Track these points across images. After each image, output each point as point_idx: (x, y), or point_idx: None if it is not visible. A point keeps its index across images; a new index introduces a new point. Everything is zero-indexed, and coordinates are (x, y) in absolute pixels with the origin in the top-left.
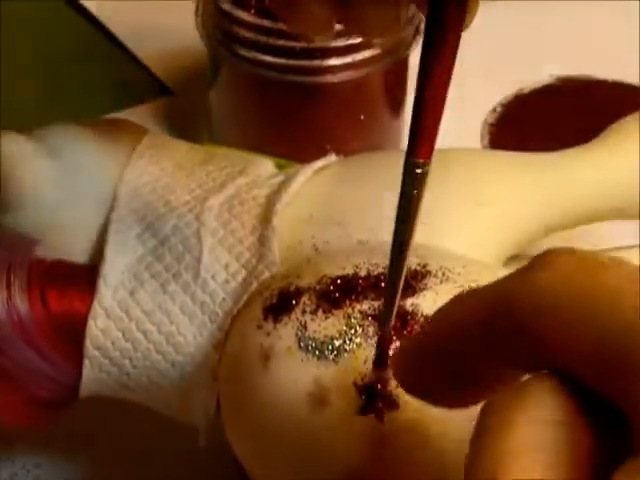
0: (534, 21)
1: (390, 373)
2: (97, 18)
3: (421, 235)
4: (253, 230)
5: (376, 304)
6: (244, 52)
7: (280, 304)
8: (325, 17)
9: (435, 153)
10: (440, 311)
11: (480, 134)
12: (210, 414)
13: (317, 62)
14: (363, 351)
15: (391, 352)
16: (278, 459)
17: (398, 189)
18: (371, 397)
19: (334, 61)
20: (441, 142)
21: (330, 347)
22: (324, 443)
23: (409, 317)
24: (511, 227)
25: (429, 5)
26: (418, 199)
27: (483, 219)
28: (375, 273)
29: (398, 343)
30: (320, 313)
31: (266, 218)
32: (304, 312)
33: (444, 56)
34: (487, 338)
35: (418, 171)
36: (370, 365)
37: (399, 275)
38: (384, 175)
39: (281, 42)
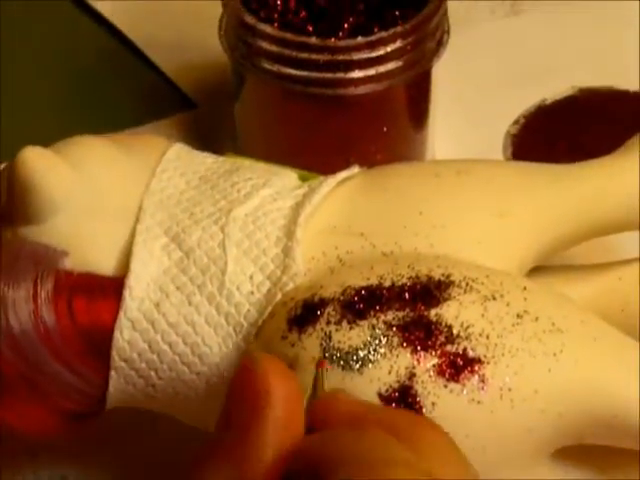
0: (555, 32)
1: None
2: (120, 31)
3: (441, 244)
4: (277, 241)
5: (400, 314)
6: (267, 65)
7: (304, 315)
8: None
9: (456, 163)
10: None
11: (503, 145)
12: None
13: (340, 74)
14: (388, 361)
15: (420, 364)
16: None
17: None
18: (396, 407)
19: (357, 74)
20: (463, 153)
21: (355, 357)
22: None
23: (433, 327)
24: (532, 238)
25: None
26: None
27: (504, 230)
28: (399, 283)
29: (423, 353)
30: (345, 324)
31: (290, 229)
32: (329, 323)
33: None
34: None
35: None
36: (395, 375)
37: None
38: (407, 186)
39: (304, 55)
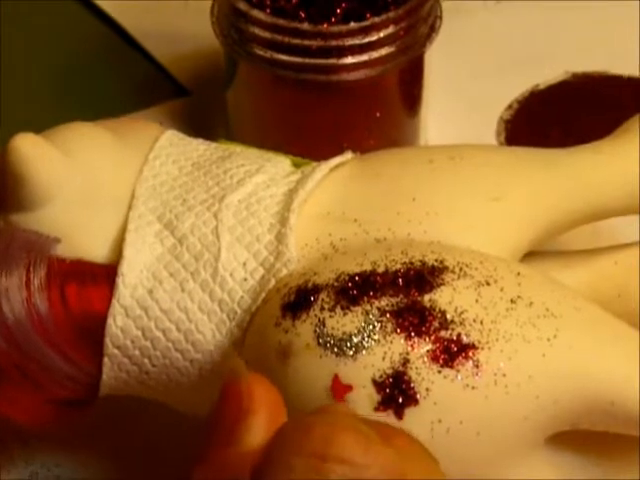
0: (549, 17)
1: None
2: (113, 18)
3: (435, 230)
4: (271, 228)
5: (394, 300)
6: (260, 51)
7: (298, 301)
8: None
9: (449, 149)
10: None
11: (496, 131)
12: None
13: (333, 60)
14: (381, 347)
15: (414, 349)
16: None
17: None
18: (390, 393)
19: (350, 59)
20: (456, 138)
21: (349, 343)
22: None
23: (427, 313)
24: (526, 223)
25: None
26: None
27: (497, 215)
28: (393, 269)
29: (417, 339)
30: (338, 310)
31: (283, 216)
32: (322, 309)
33: None
34: None
35: None
36: (389, 361)
37: None
38: (400, 172)
39: (297, 41)
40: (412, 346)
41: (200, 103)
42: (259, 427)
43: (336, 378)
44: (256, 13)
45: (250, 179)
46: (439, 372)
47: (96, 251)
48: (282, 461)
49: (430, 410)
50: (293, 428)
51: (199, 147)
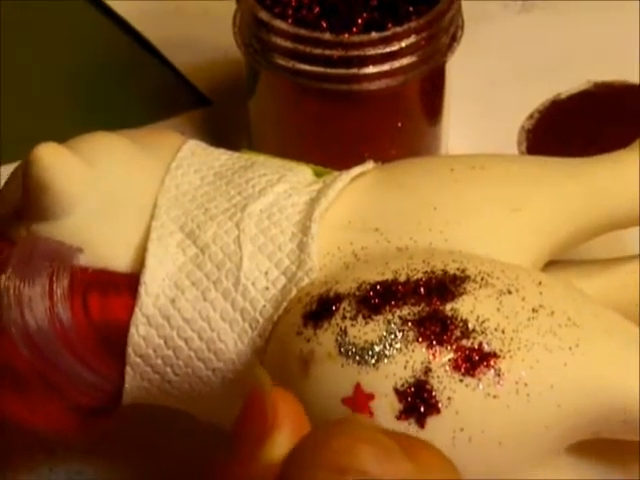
0: (570, 26)
1: None
2: (135, 28)
3: (456, 239)
4: (292, 237)
5: (416, 309)
6: (282, 61)
7: (320, 310)
8: None
9: (470, 158)
10: None
11: (517, 140)
12: None
13: (354, 70)
14: (403, 356)
15: (435, 358)
16: None
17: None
18: (412, 402)
19: (371, 69)
20: (477, 148)
21: (370, 352)
22: None
23: (449, 322)
24: (547, 233)
25: None
26: None
27: (518, 224)
28: (414, 278)
29: (438, 348)
30: (360, 319)
31: (305, 225)
32: (344, 318)
33: None
34: None
35: None
36: (411, 370)
37: None
38: (422, 181)
39: (318, 51)
40: (434, 355)
41: (221, 113)
42: (283, 442)
43: (358, 387)
44: (278, 23)
45: (272, 188)
46: (461, 381)
47: (118, 260)
48: (302, 474)
49: (452, 419)
50: (312, 440)
51: (221, 157)
